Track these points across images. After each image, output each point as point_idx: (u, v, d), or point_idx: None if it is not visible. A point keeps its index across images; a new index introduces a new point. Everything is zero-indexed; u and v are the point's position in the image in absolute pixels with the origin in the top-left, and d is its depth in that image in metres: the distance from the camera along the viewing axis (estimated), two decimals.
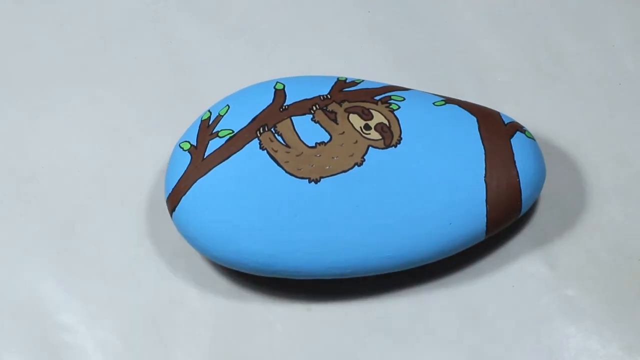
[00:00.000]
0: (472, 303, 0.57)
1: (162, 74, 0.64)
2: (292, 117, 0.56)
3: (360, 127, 0.55)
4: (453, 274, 0.57)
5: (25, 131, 0.62)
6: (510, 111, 0.61)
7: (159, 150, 0.60)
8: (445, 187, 0.54)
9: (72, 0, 0.66)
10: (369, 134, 0.55)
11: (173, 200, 0.55)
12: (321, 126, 0.56)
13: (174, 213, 0.55)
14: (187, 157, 0.55)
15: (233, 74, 0.63)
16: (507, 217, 0.55)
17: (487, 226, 0.55)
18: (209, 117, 0.56)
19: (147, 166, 0.60)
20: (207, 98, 0.62)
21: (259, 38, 0.64)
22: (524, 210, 0.56)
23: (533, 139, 0.57)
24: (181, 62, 0.64)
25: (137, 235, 0.58)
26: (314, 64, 0.64)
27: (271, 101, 0.56)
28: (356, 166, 0.54)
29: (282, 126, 0.55)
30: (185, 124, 0.58)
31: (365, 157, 0.54)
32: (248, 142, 0.55)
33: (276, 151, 0.55)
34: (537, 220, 0.58)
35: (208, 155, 0.55)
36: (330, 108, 0.56)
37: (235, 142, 0.55)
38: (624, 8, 0.65)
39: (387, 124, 0.55)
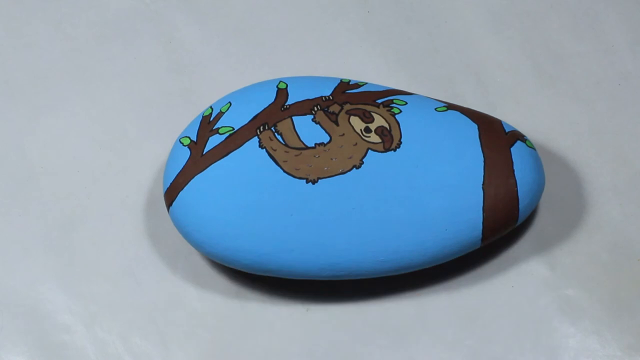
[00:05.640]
0: (472, 303, 0.57)
1: (162, 73, 0.64)
2: (293, 117, 0.55)
3: (361, 130, 0.55)
4: (452, 275, 0.57)
5: (25, 131, 0.62)
6: (509, 111, 0.61)
7: (159, 150, 0.60)
8: (443, 193, 0.54)
9: (71, 0, 0.66)
10: (369, 136, 0.55)
11: (171, 195, 0.55)
12: (321, 127, 0.55)
13: (170, 207, 0.55)
14: (186, 153, 0.55)
15: (233, 74, 0.63)
16: (503, 226, 0.55)
17: (483, 234, 0.54)
18: (210, 114, 0.56)
19: (147, 166, 0.60)
20: (207, 98, 0.62)
21: (259, 38, 0.64)
22: (520, 219, 0.55)
23: (534, 148, 0.56)
24: (181, 62, 0.64)
25: (136, 235, 0.59)
26: (313, 64, 0.64)
27: (273, 100, 0.56)
28: (354, 169, 0.54)
29: (282, 125, 0.55)
30: (184, 124, 0.59)
31: (364, 160, 0.54)
32: (248, 140, 0.55)
33: (275, 150, 0.55)
34: (537, 221, 0.58)
35: (207, 152, 0.55)
36: (331, 109, 0.56)
37: (235, 139, 0.55)
38: (624, 8, 0.65)
39: (388, 128, 0.55)
